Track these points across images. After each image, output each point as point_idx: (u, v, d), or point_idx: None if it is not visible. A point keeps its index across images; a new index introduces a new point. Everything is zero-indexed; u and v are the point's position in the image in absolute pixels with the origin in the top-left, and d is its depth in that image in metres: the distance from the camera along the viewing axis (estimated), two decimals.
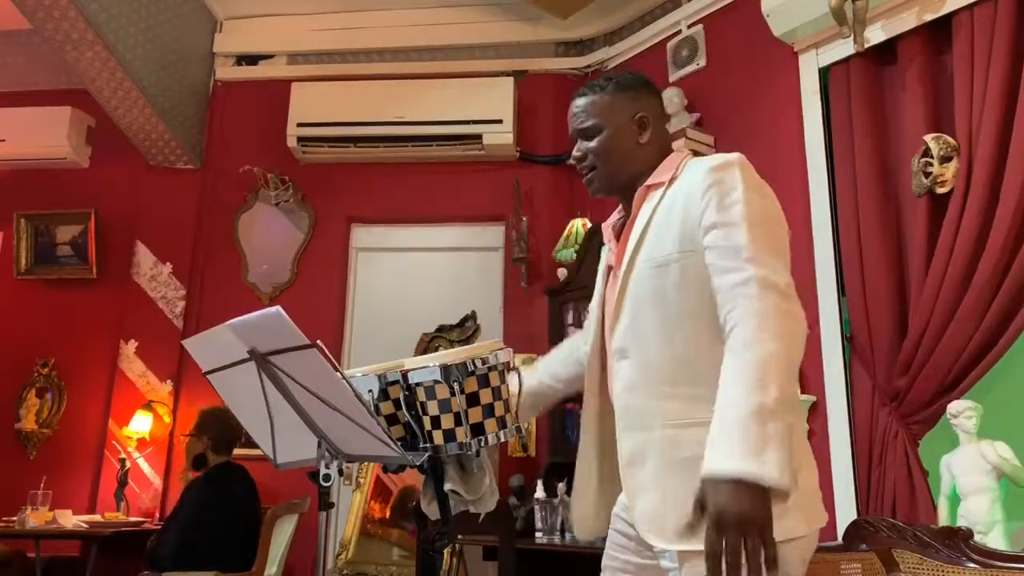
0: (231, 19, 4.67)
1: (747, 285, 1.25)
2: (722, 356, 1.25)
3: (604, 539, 1.54)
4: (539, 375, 1.73)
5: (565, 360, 1.73)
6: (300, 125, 4.23)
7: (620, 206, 1.59)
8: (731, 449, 1.14)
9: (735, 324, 1.24)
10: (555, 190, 4.20)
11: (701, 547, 1.14)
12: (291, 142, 4.25)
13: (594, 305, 1.61)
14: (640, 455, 1.39)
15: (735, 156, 1.39)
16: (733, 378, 1.20)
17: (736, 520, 1.11)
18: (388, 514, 3.79)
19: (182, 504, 3.27)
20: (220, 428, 3.41)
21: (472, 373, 1.43)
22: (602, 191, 1.56)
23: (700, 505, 1.16)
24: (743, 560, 1.10)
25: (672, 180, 1.46)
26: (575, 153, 1.56)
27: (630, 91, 1.54)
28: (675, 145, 3.47)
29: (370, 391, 1.46)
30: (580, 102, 1.55)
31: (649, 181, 1.49)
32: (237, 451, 3.44)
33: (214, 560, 3.12)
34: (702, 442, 1.20)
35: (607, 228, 1.60)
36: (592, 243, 3.78)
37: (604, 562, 1.51)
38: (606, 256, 1.61)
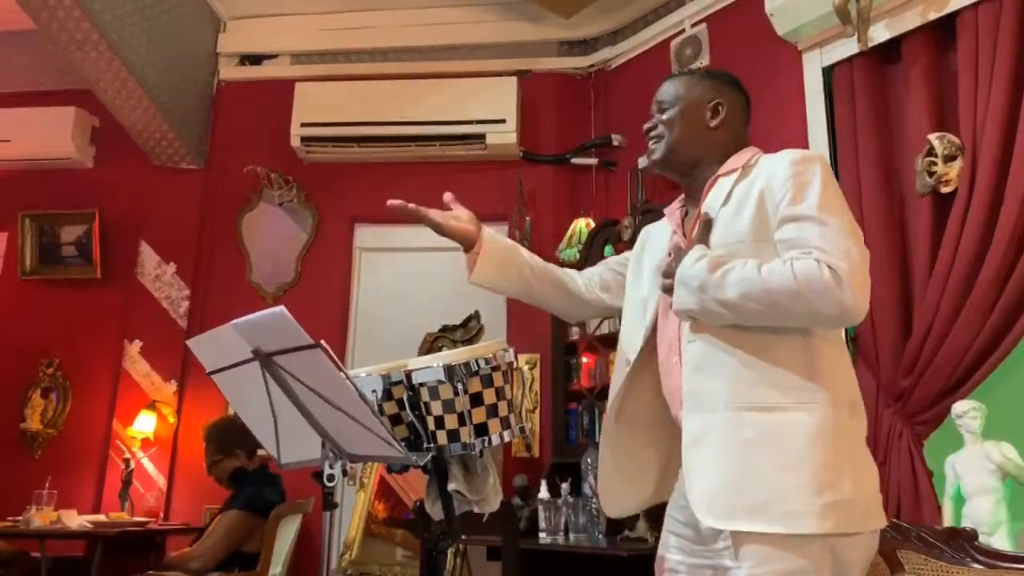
0: (235, 19, 4.67)
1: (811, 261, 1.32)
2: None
3: (631, 517, 1.57)
4: (535, 260, 1.73)
5: (554, 279, 1.73)
6: (304, 125, 4.23)
7: (682, 196, 1.64)
8: (714, 272, 1.35)
9: (797, 260, 1.31)
10: (558, 190, 4.20)
11: (756, 528, 1.29)
12: (295, 142, 4.25)
13: (644, 296, 1.61)
14: (702, 436, 1.40)
15: (815, 153, 1.47)
16: (763, 270, 1.33)
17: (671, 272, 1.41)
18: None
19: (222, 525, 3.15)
20: (242, 434, 3.20)
21: (476, 373, 1.43)
22: (658, 163, 1.60)
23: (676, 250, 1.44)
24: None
25: (743, 172, 1.50)
26: (647, 124, 1.62)
27: (715, 80, 1.63)
28: None
29: (374, 391, 1.46)
30: (668, 81, 1.64)
31: (719, 171, 1.53)
32: None
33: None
34: (763, 425, 1.34)
35: (671, 214, 1.64)
36: (595, 242, 3.77)
37: (663, 564, 1.52)
38: (649, 246, 1.67)
